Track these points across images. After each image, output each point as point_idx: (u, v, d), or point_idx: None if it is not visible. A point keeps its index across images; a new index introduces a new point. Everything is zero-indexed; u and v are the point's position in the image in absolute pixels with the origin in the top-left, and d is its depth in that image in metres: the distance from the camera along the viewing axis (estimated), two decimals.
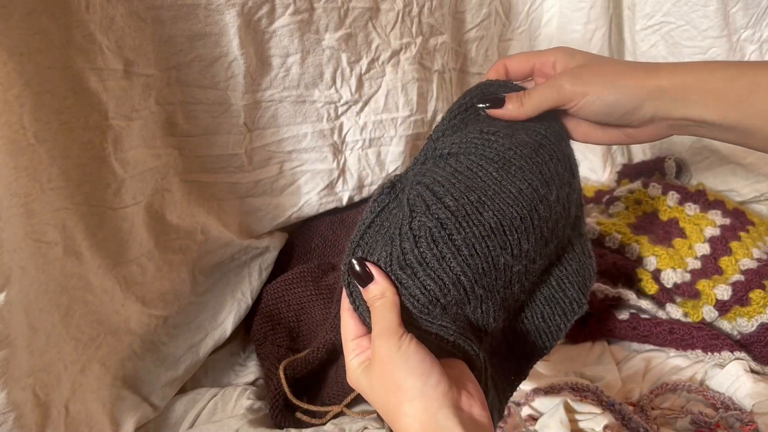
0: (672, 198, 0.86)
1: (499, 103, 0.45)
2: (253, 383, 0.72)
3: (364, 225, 0.41)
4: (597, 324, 0.75)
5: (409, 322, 0.39)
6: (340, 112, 0.77)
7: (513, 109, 0.45)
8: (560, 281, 0.46)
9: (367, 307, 0.39)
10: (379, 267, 0.39)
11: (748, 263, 0.76)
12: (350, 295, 0.40)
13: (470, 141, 0.42)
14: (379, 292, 0.39)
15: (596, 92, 0.43)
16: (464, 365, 0.39)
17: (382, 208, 0.42)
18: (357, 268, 0.40)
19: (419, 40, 0.81)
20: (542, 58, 0.47)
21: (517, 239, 0.39)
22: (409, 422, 0.36)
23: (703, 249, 0.79)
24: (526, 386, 0.66)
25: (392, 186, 0.42)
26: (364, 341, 0.41)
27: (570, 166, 0.46)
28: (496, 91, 0.46)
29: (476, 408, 0.37)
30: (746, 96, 0.40)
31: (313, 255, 0.85)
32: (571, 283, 0.46)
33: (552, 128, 0.45)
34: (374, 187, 0.85)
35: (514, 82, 0.48)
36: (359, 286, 0.40)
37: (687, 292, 0.74)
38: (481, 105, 0.46)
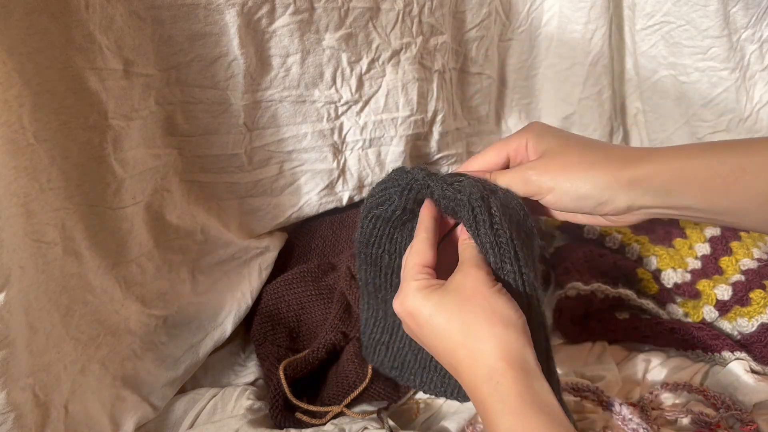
0: None
1: None
2: (253, 383, 0.72)
3: None
4: (597, 324, 0.75)
5: None
6: (340, 112, 0.77)
7: None
8: None
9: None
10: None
11: (748, 263, 0.76)
12: (475, 218, 0.42)
13: None
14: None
15: (564, 187, 0.42)
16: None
17: None
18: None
19: (419, 40, 0.81)
20: (513, 144, 0.46)
21: None
22: (491, 346, 0.36)
23: (704, 249, 0.79)
24: None
25: None
26: (430, 273, 0.42)
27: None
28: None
29: None
30: (732, 183, 0.38)
31: (313, 255, 0.85)
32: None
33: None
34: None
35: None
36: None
37: (687, 292, 0.74)
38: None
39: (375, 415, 0.64)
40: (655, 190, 0.40)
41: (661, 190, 0.40)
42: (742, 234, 0.80)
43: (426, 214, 0.45)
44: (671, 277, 0.75)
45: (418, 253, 0.43)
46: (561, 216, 0.47)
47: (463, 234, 0.44)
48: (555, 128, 0.46)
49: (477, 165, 0.48)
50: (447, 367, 0.40)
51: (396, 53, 0.79)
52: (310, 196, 0.79)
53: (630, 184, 0.40)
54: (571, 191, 0.42)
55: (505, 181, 0.44)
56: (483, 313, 0.37)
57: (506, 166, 0.47)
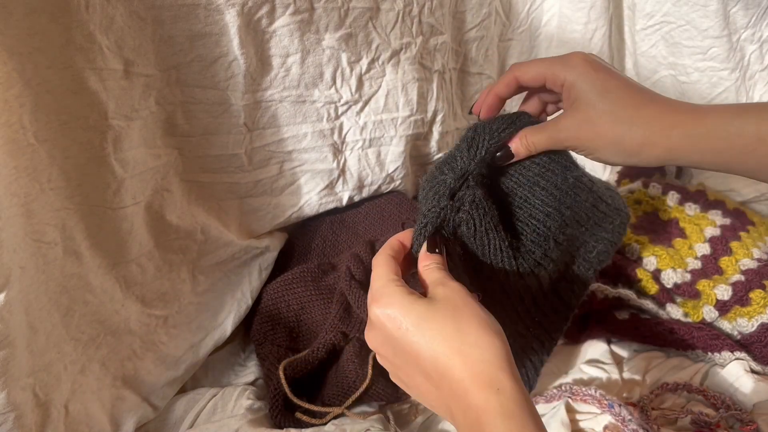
0: (672, 198, 0.86)
1: (510, 158, 0.50)
2: (253, 383, 0.72)
3: None
4: (597, 324, 0.75)
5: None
6: (340, 112, 0.77)
7: (522, 153, 0.49)
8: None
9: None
10: None
11: (748, 263, 0.76)
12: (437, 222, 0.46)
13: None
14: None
15: (589, 148, 0.46)
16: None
17: None
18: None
19: (419, 40, 0.81)
20: (554, 72, 0.49)
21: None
22: (492, 354, 0.36)
23: (704, 249, 0.79)
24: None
25: None
26: (398, 268, 0.43)
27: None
28: (502, 128, 0.50)
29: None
30: (750, 152, 0.40)
31: (313, 255, 0.85)
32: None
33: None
34: (374, 187, 0.85)
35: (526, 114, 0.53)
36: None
37: (687, 292, 0.74)
38: (498, 162, 0.50)
39: (377, 416, 0.64)
40: (677, 160, 0.43)
41: (683, 160, 0.43)
42: (742, 234, 0.80)
43: (393, 238, 0.47)
44: (671, 277, 0.75)
45: (387, 262, 0.43)
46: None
47: (423, 261, 0.44)
48: (593, 71, 0.47)
49: (514, 84, 0.51)
50: (427, 373, 0.38)
51: (396, 53, 0.79)
52: (310, 196, 0.79)
53: (651, 159, 0.44)
54: (594, 153, 0.47)
55: (538, 134, 0.48)
56: (478, 323, 0.37)
57: (541, 86, 0.51)
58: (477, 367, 0.36)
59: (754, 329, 0.69)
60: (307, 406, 0.64)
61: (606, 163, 0.48)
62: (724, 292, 0.72)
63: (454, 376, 0.36)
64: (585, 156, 0.48)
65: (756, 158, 0.39)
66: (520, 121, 0.51)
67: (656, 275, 0.76)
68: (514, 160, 0.49)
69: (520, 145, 0.49)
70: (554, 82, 0.48)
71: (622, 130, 0.44)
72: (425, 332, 0.38)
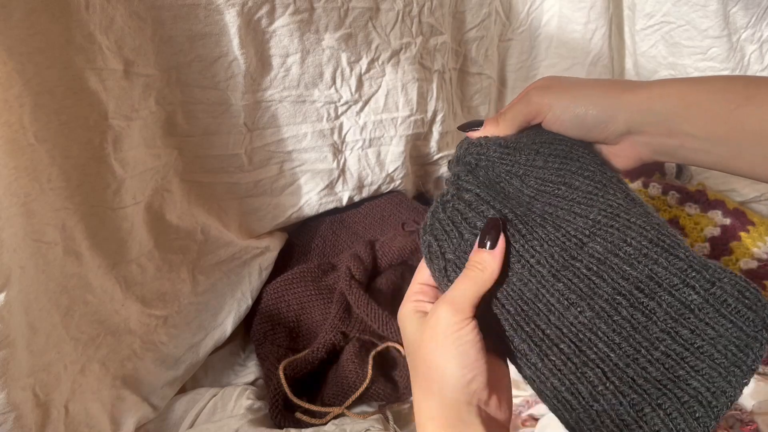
0: (672, 198, 0.86)
1: (479, 125, 0.45)
2: (253, 383, 0.72)
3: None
4: None
5: (487, 310, 0.37)
6: (340, 112, 0.77)
7: (490, 129, 0.45)
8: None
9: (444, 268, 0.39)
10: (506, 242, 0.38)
11: (748, 263, 0.76)
12: (436, 244, 0.39)
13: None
14: (486, 263, 0.37)
15: (563, 104, 0.41)
16: (507, 371, 0.39)
17: None
18: (492, 229, 0.38)
19: (419, 40, 0.81)
20: (526, 110, 0.46)
21: None
22: (436, 394, 0.36)
23: (704, 249, 0.79)
24: (527, 392, 0.66)
25: None
26: (430, 292, 0.41)
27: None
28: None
29: (501, 414, 0.37)
30: (734, 110, 0.36)
31: (313, 255, 0.85)
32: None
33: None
34: (374, 187, 0.85)
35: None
36: (477, 240, 0.38)
37: None
38: (461, 128, 0.46)
39: (377, 416, 0.64)
40: (657, 114, 0.39)
41: (662, 114, 0.39)
42: (742, 234, 0.80)
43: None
44: None
45: (421, 269, 0.42)
46: None
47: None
48: (547, 80, 0.45)
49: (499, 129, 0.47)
50: (425, 377, 0.39)
51: (396, 53, 0.79)
52: (310, 196, 0.79)
53: (632, 104, 0.40)
54: (570, 108, 0.41)
55: (509, 110, 0.44)
56: (434, 366, 0.36)
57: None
58: (425, 405, 0.37)
59: None
60: (307, 406, 0.64)
61: (566, 132, 0.43)
62: None
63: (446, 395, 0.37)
64: (549, 126, 0.44)
65: (740, 116, 0.36)
66: None
67: None
68: (482, 130, 0.45)
69: (490, 120, 0.46)
70: (531, 114, 0.47)
71: (598, 83, 0.42)
72: (413, 356, 0.39)
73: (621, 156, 0.43)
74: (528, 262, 0.37)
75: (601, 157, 0.43)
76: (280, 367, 0.66)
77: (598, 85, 0.41)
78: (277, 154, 0.74)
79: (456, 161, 0.45)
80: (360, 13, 0.72)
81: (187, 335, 0.69)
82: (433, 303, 0.39)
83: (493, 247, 0.37)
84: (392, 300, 0.75)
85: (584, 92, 0.41)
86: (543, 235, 0.38)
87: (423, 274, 0.42)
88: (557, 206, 0.39)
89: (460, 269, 0.38)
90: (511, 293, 0.37)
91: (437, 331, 0.36)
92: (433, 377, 0.36)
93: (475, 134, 0.45)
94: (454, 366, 0.35)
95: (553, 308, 0.36)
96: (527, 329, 0.36)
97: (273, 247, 0.79)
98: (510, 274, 0.37)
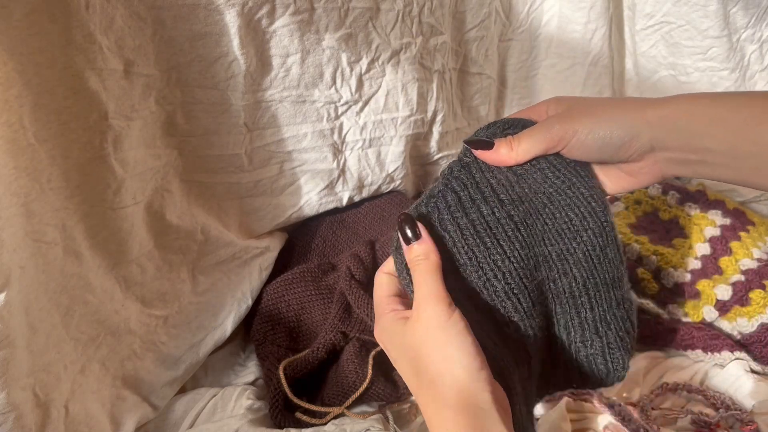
0: (672, 198, 0.86)
1: (489, 146, 0.43)
2: (253, 383, 0.72)
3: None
4: None
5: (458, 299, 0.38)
6: (340, 112, 0.77)
7: (504, 153, 0.43)
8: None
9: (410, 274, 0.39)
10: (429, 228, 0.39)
11: (748, 263, 0.76)
12: (396, 257, 0.40)
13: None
14: (423, 252, 0.38)
15: (587, 128, 0.41)
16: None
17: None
18: (405, 225, 0.39)
19: (419, 40, 0.81)
20: (535, 112, 0.45)
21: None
22: (448, 393, 0.35)
23: (704, 249, 0.79)
24: None
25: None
26: (399, 301, 0.40)
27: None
28: (505, 131, 0.45)
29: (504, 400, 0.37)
30: (758, 125, 0.37)
31: (313, 255, 0.85)
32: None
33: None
34: (374, 187, 0.85)
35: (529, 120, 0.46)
36: (403, 244, 0.39)
37: (687, 292, 0.74)
38: (468, 144, 0.44)
39: (377, 416, 0.64)
40: (680, 130, 0.39)
41: (687, 131, 0.39)
42: (742, 234, 0.80)
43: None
44: (671, 277, 0.75)
45: (379, 286, 0.42)
46: None
47: (407, 253, 0.42)
48: (573, 96, 0.46)
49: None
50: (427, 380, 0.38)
51: (396, 53, 0.79)
52: (310, 196, 0.79)
53: (653, 121, 0.40)
54: (595, 131, 0.41)
55: (527, 137, 0.43)
56: (440, 359, 0.36)
57: None
58: (442, 393, 0.36)
59: (754, 329, 0.69)
60: (307, 406, 0.64)
61: (590, 157, 0.43)
62: (724, 292, 0.72)
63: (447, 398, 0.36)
64: (571, 152, 0.43)
65: (763, 131, 0.37)
66: (521, 125, 0.46)
67: (656, 275, 0.76)
68: (493, 157, 0.44)
69: (504, 143, 0.43)
70: (539, 117, 0.45)
71: (617, 102, 0.42)
72: (405, 362, 0.38)
73: (642, 173, 0.43)
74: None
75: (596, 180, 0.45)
76: (280, 367, 0.66)
77: (617, 104, 0.41)
78: (277, 154, 0.74)
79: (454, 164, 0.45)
80: (360, 13, 0.72)
81: (187, 335, 0.69)
82: (409, 309, 0.39)
83: (417, 238, 0.38)
84: None
85: (606, 113, 0.41)
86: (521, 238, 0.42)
87: (384, 288, 0.41)
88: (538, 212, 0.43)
89: None
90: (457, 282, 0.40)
91: (431, 325, 0.36)
92: (443, 380, 0.35)
93: (485, 156, 0.43)
94: (462, 355, 0.35)
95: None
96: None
97: (273, 247, 0.79)
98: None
